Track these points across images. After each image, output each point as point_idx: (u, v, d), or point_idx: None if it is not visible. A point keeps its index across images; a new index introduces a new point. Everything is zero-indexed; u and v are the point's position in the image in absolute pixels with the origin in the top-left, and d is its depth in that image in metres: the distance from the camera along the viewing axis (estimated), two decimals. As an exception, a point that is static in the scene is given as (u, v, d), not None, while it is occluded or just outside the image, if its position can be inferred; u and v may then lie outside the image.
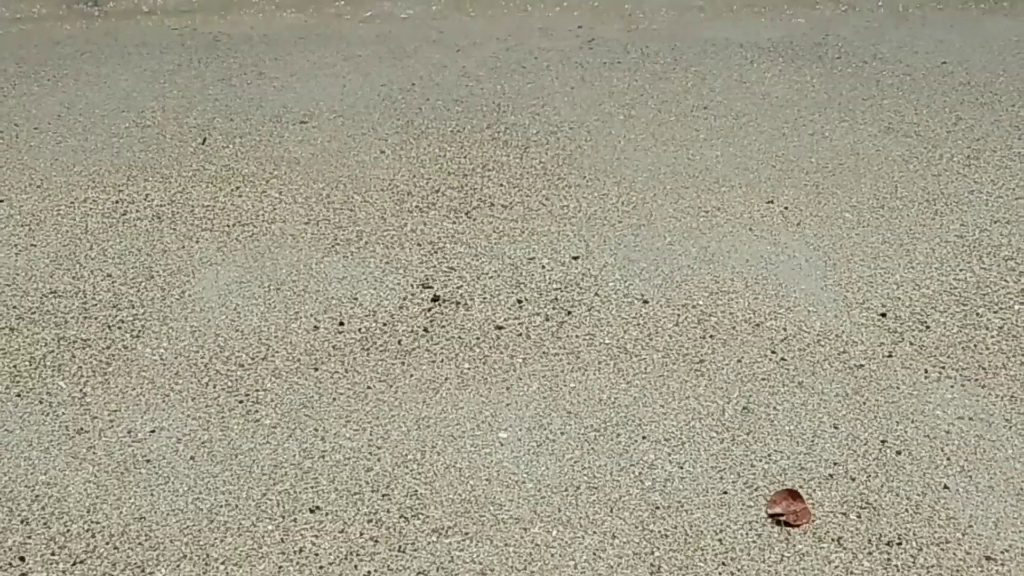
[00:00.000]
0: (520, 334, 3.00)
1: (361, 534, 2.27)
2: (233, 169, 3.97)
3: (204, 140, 4.21)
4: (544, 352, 2.91)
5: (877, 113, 4.48)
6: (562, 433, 2.58)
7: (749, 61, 5.16)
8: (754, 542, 2.24)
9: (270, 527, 2.29)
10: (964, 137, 4.22)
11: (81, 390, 2.73)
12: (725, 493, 2.38)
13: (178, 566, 2.18)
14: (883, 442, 2.53)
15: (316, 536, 2.26)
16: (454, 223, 3.62)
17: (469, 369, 2.84)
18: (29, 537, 2.26)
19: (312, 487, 2.40)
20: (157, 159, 4.04)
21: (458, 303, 3.15)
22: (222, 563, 2.19)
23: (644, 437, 2.56)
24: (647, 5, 6.19)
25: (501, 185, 3.89)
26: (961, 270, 3.28)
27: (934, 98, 4.63)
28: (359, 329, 3.01)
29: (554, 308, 3.12)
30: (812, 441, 2.54)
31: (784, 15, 5.92)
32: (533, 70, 5.10)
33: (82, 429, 2.59)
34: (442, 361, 2.88)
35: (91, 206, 3.66)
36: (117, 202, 3.69)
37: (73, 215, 3.60)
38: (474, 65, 5.16)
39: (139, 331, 2.98)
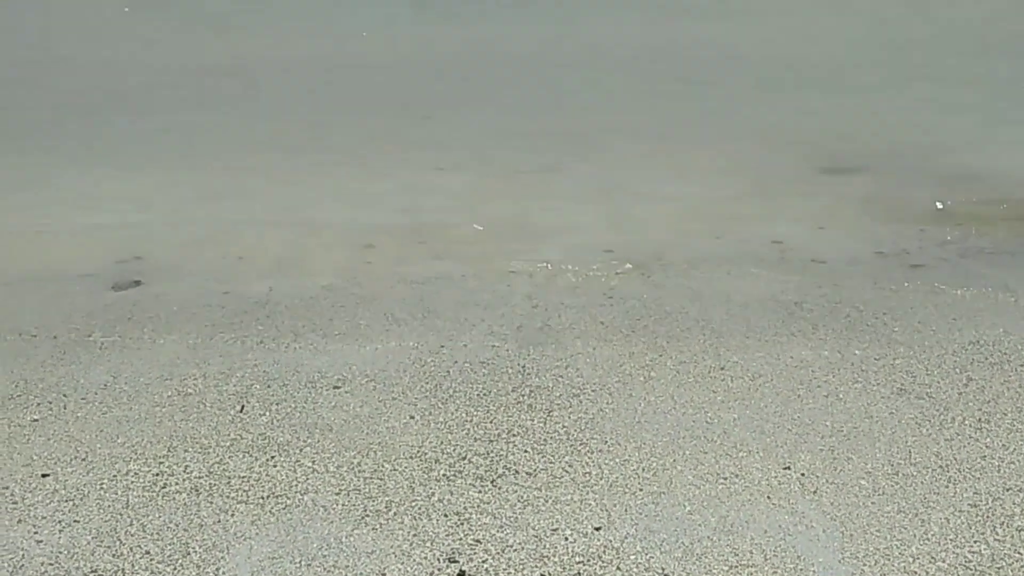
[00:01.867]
0: (544, 612, 3.06)
1: None
2: (269, 438, 4.14)
3: (242, 408, 4.41)
4: (567, 632, 2.97)
5: (889, 374, 4.64)
6: None
7: (764, 318, 5.37)
8: None
9: None
10: (975, 399, 4.35)
11: (116, 675, 2.80)
12: None
13: None
14: None
15: None
16: (480, 492, 3.74)
17: (493, 651, 2.90)
18: None
19: None
20: (197, 428, 4.22)
21: (483, 578, 3.23)
22: None
23: None
24: (668, 258, 6.50)
25: (526, 451, 4.03)
26: (975, 542, 3.34)
27: (944, 358, 4.79)
28: (387, 607, 3.09)
29: (577, 583, 3.19)
30: None
31: (797, 270, 6.19)
32: (557, 329, 5.32)
33: None
34: (467, 642, 2.94)
35: (133, 479, 3.82)
36: (158, 475, 3.85)
37: (115, 489, 3.75)
38: (500, 324, 5.40)
39: (174, 612, 3.07)
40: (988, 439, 4.01)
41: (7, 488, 3.77)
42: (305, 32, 27.34)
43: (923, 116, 11.96)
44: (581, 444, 4.07)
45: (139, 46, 23.08)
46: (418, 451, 4.04)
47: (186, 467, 3.91)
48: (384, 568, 3.29)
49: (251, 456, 4.00)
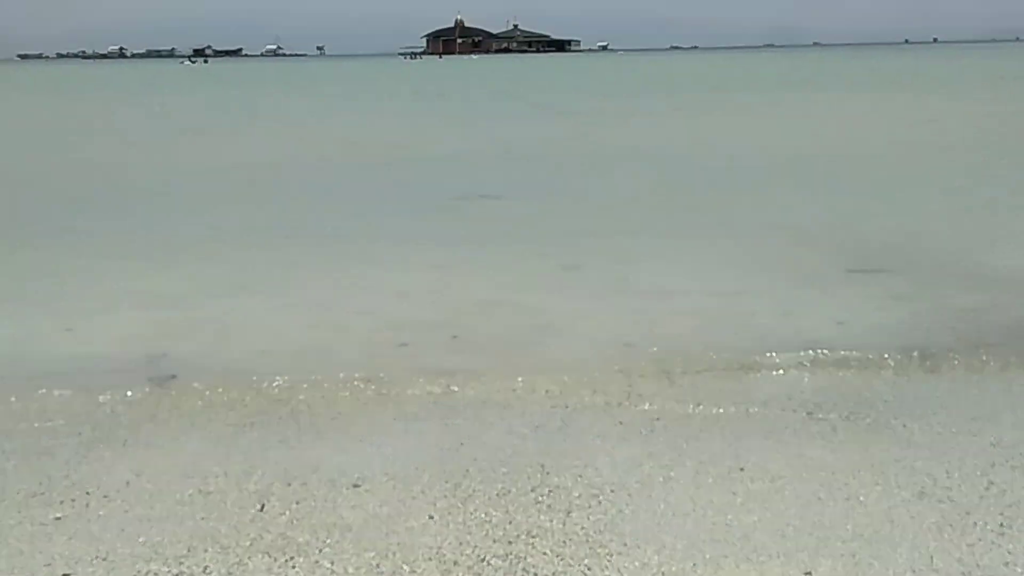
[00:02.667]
0: None
1: None
2: (288, 537, 4.15)
3: (263, 507, 4.43)
4: None
5: (910, 476, 4.61)
6: None
7: (783, 418, 5.37)
8: None
9: None
10: (996, 503, 4.32)
11: None
12: None
13: None
14: None
15: None
16: (498, 595, 3.73)
17: None
18: None
19: None
20: (217, 527, 4.24)
21: None
22: None
23: None
24: (688, 355, 6.53)
25: (544, 553, 4.01)
26: (999, 652, 3.30)
27: (965, 460, 4.77)
28: None
29: None
30: None
31: (817, 369, 6.21)
32: (576, 428, 5.33)
33: None
34: None
35: (152, 581, 3.83)
36: (178, 575, 3.86)
37: (135, 590, 3.77)
38: (520, 423, 5.42)
39: None
40: (1011, 544, 3.97)
41: (28, 588, 3.79)
42: (330, 129, 27.85)
43: (948, 215, 12.06)
44: (600, 546, 4.06)
45: (166, 144, 23.56)
46: (437, 552, 4.03)
47: (206, 567, 3.92)
48: (402, 674, 3.27)
49: (271, 557, 4.00)
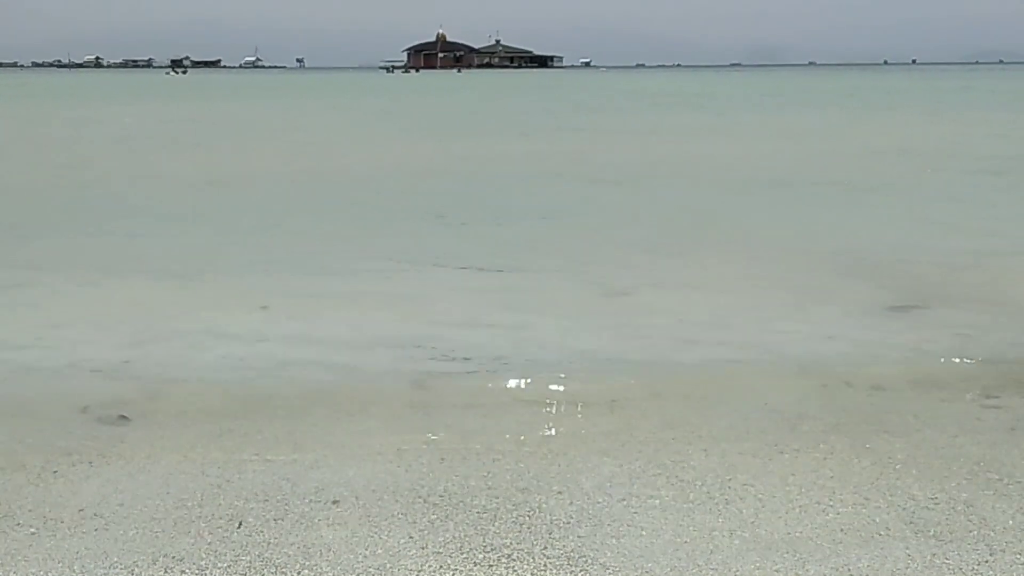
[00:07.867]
0: None
1: None
2: (266, 559, 4.07)
3: (240, 524, 4.35)
4: None
5: (893, 496, 4.58)
6: None
7: (768, 434, 5.34)
8: None
9: None
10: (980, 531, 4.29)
11: None
12: None
13: None
14: None
15: None
16: (478, 620, 3.67)
17: None
18: None
19: None
20: (194, 547, 4.15)
21: None
22: None
23: None
24: (672, 372, 6.50)
25: (524, 577, 3.96)
26: None
27: (949, 480, 4.74)
28: None
29: None
30: None
31: (800, 385, 6.20)
32: (559, 440, 5.29)
33: None
34: None
35: (128, 603, 3.75)
36: (154, 598, 3.78)
37: (110, 613, 3.68)
38: (500, 437, 5.37)
39: None
40: (993, 571, 3.95)
41: (-1, 609, 3.70)
42: (313, 145, 27.77)
43: (952, 230, 12.06)
44: (581, 570, 3.99)
45: (136, 159, 23.42)
46: (417, 575, 3.97)
47: (182, 588, 3.84)
48: None
49: (248, 578, 3.93)
